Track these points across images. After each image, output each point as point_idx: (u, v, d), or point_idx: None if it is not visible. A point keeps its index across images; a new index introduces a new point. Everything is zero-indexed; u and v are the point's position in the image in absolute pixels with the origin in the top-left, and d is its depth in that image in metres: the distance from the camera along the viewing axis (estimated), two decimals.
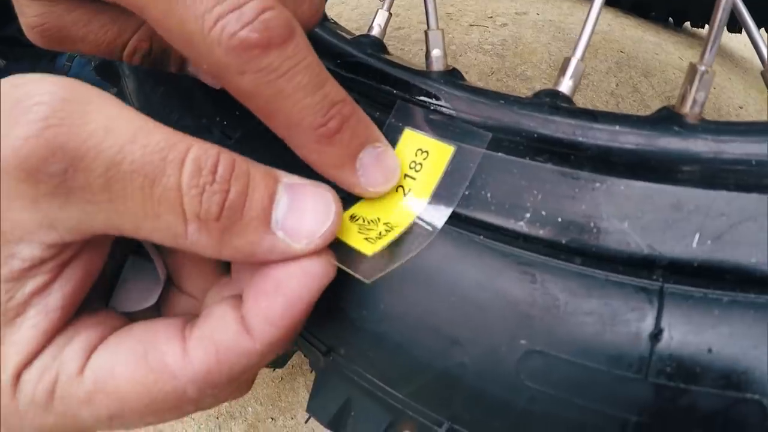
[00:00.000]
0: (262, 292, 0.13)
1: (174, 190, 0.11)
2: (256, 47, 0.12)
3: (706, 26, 0.75)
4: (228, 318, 0.13)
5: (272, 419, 0.35)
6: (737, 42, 0.71)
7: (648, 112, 0.17)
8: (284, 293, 0.13)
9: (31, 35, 0.15)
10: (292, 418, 0.35)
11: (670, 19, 0.78)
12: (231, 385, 0.13)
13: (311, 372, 0.37)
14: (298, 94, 0.12)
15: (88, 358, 0.12)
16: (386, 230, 0.15)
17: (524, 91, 0.51)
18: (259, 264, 0.13)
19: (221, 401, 0.14)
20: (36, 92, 0.11)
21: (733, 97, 0.56)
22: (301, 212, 0.13)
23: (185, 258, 0.16)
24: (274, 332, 0.12)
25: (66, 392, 0.12)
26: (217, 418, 0.35)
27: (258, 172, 0.12)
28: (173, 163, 0.11)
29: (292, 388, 0.36)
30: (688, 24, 0.76)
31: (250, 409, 0.35)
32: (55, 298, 0.12)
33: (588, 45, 0.19)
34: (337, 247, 0.14)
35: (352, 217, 0.15)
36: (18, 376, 0.12)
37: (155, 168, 0.11)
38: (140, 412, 0.12)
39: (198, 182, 0.12)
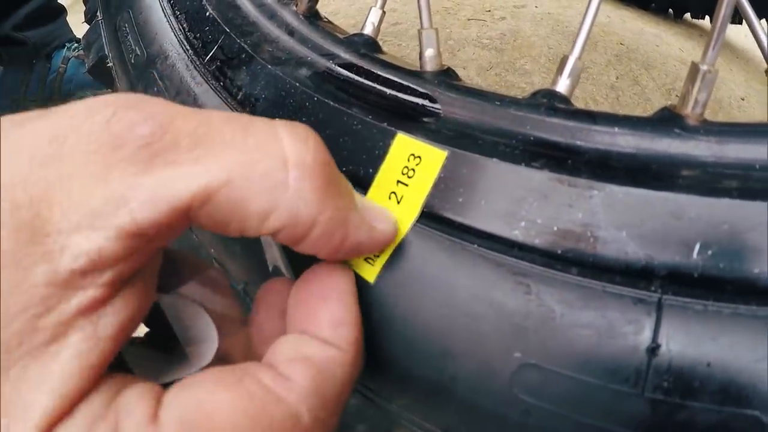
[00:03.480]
0: (315, 309, 0.12)
1: (273, 134, 0.10)
2: None
3: (707, 18, 0.74)
4: (305, 339, 0.12)
5: None
6: (737, 32, 0.70)
7: (649, 105, 0.17)
8: (335, 296, 0.13)
9: None
10: None
11: (670, 10, 0.77)
12: (335, 406, 0.11)
13: None
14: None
15: (158, 399, 0.10)
16: None
17: (523, 85, 0.50)
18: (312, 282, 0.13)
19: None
20: None
21: (734, 89, 0.56)
22: (372, 206, 0.14)
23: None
24: (348, 332, 0.12)
25: None
26: None
27: None
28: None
29: None
30: (687, 15, 0.75)
31: None
32: (108, 324, 0.09)
33: (586, 43, 0.19)
34: None
35: None
36: None
37: (248, 117, 0.10)
38: None
39: (297, 131, 0.11)
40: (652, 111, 0.16)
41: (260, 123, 0.11)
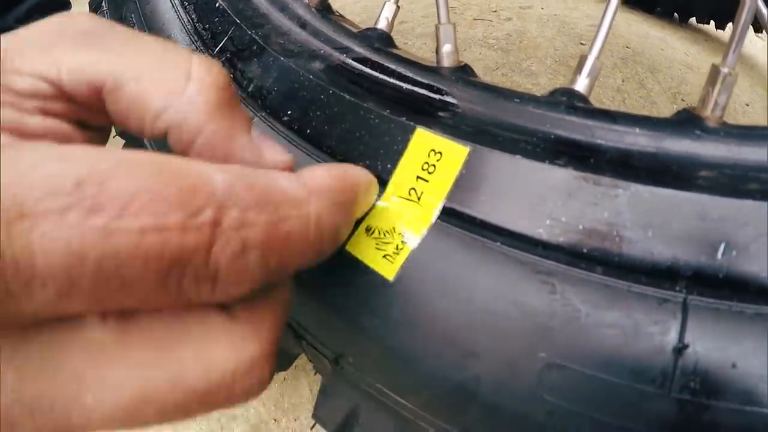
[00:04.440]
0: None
1: (186, 57, 0.13)
2: None
3: (712, 23, 0.74)
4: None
5: (275, 420, 0.34)
6: None
7: (655, 109, 0.17)
8: (340, 166, 0.13)
9: None
10: (295, 420, 0.34)
11: (675, 14, 0.77)
12: (273, 213, 0.10)
13: (315, 374, 0.36)
14: None
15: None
16: (403, 242, 0.14)
17: (530, 86, 0.50)
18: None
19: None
20: None
21: (739, 95, 0.56)
22: (269, 141, 0.14)
23: None
24: (323, 176, 0.12)
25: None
26: (219, 419, 0.35)
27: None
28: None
29: (295, 389, 0.36)
30: (692, 20, 0.76)
31: (252, 410, 0.35)
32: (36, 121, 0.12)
33: (605, 43, 0.19)
34: (357, 268, 0.14)
35: (368, 230, 0.15)
36: None
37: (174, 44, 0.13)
38: (139, 181, 0.09)
39: (208, 61, 0.13)
40: (659, 114, 0.16)
41: (182, 48, 0.13)
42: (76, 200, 0.08)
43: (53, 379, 0.09)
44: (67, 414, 0.09)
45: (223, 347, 0.10)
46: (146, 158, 0.10)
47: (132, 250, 0.09)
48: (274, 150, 0.14)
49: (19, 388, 0.09)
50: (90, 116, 0.13)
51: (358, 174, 0.14)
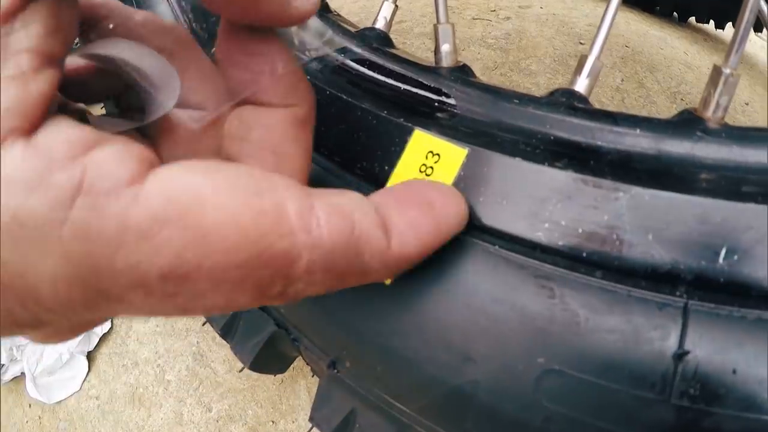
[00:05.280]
0: (408, 200, 0.12)
1: None
2: None
3: (711, 22, 0.74)
4: (365, 202, 0.11)
5: (273, 422, 0.34)
6: None
7: (654, 108, 0.16)
8: (436, 214, 0.12)
9: None
10: (293, 422, 0.34)
11: (675, 14, 0.77)
12: (338, 282, 0.10)
13: (312, 376, 0.36)
14: None
15: (147, 169, 0.09)
16: None
17: (529, 85, 0.50)
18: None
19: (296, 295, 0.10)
20: None
21: (739, 93, 0.56)
22: None
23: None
24: (413, 245, 0.11)
25: (102, 206, 0.08)
26: (217, 421, 0.35)
27: None
28: None
29: (293, 391, 0.36)
30: (692, 19, 0.75)
31: (250, 411, 0.35)
32: (20, 37, 0.09)
33: (605, 43, 0.18)
34: None
35: None
36: None
37: None
38: (224, 272, 0.09)
39: None
40: (658, 113, 0.16)
41: None
42: (159, 290, 0.09)
43: None
44: None
45: None
46: (237, 232, 0.09)
47: (201, 311, 0.10)
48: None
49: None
50: None
51: (448, 231, 0.12)
